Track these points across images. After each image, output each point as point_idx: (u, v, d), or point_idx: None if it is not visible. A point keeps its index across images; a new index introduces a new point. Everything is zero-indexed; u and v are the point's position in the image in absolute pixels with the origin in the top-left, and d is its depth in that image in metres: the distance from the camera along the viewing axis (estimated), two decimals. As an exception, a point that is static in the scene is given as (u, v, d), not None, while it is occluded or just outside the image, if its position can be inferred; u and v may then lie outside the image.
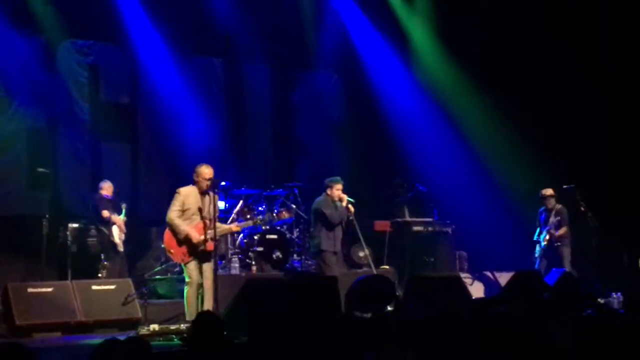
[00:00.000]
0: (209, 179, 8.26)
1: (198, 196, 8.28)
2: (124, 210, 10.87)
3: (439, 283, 9.35)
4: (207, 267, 8.24)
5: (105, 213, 10.54)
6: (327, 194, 9.93)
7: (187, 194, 8.29)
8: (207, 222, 8.23)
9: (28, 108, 11.24)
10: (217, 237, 8.33)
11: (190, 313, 8.11)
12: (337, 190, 9.88)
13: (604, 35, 12.31)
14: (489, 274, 11.47)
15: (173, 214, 8.24)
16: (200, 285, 8.22)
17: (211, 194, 8.35)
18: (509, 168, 12.88)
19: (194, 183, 8.34)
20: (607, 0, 12.31)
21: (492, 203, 12.77)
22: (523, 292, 8.10)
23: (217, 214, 8.36)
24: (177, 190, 8.40)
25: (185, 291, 8.28)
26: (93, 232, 10.80)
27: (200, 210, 8.23)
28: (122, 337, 3.71)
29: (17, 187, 11.13)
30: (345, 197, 9.88)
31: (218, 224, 8.42)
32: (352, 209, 9.88)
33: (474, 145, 13.15)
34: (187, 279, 8.27)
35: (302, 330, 5.79)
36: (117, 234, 10.62)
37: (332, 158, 13.42)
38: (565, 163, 12.29)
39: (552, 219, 11.10)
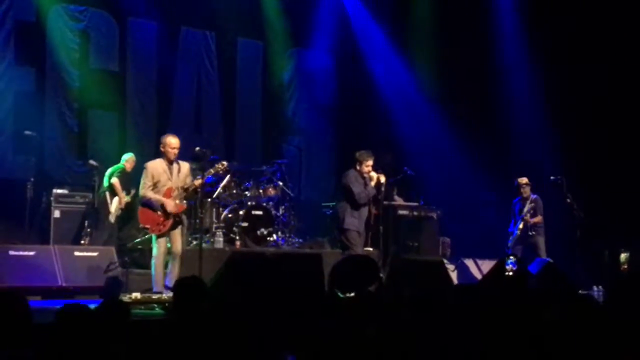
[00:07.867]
0: (175, 148, 8.33)
1: (165, 167, 8.35)
2: (131, 193, 10.72)
3: (422, 266, 9.34)
4: (176, 233, 8.34)
5: (117, 184, 10.48)
6: (357, 169, 8.99)
7: (154, 167, 8.36)
8: (174, 188, 8.30)
9: (17, 70, 11.12)
10: (185, 197, 8.42)
11: (157, 281, 8.23)
12: (366, 167, 8.93)
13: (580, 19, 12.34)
14: (471, 260, 11.47)
15: (145, 189, 8.33)
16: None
17: (179, 162, 8.40)
18: (498, 158, 12.92)
19: (162, 154, 8.38)
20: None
21: (479, 191, 12.79)
22: (504, 280, 8.14)
23: (188, 180, 8.39)
24: (145, 165, 8.48)
25: (153, 263, 8.31)
26: (78, 199, 10.71)
27: (168, 180, 8.31)
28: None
29: (3, 150, 11.01)
30: (375, 176, 8.93)
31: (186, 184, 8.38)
32: (382, 178, 9.03)
33: (465, 132, 13.16)
34: (155, 252, 8.30)
35: (285, 306, 5.77)
36: (116, 205, 10.56)
37: (322, 137, 13.36)
38: (554, 155, 12.32)
39: (527, 207, 11.08)
